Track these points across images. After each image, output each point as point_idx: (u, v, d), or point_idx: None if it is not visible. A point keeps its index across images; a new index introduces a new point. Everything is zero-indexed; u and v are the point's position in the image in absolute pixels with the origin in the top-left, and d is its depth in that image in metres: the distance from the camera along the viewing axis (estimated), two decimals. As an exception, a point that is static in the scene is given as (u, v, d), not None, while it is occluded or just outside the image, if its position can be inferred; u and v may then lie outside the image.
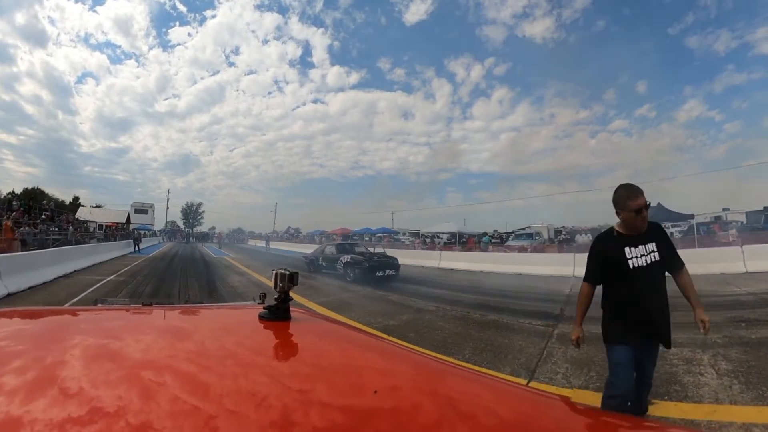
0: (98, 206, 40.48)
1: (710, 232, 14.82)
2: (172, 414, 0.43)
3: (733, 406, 2.33)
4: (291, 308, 0.85)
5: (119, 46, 69.44)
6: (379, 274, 8.90)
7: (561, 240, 16.74)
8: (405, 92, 62.65)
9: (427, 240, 23.54)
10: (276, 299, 0.84)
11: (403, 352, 0.82)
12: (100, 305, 1.18)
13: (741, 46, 40.22)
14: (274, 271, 0.83)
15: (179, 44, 65.02)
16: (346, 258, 9.58)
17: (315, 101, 65.17)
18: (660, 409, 2.28)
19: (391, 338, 1.85)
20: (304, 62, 67.74)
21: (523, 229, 20.31)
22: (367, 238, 29.89)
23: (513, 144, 55.55)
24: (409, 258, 13.40)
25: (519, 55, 53.86)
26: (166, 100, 68.22)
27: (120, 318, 0.97)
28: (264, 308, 0.84)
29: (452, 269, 11.53)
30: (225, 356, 0.64)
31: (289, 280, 0.82)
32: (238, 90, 68.41)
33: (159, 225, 49.81)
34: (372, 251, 11.26)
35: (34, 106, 59.23)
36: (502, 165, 61.18)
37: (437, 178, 64.10)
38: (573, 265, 9.71)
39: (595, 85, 60.06)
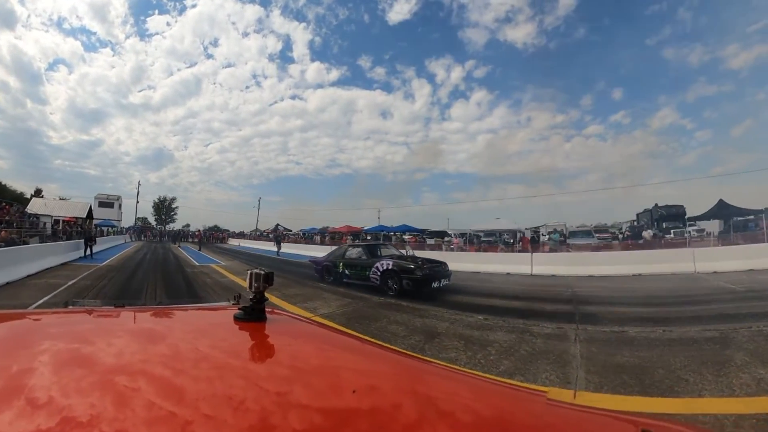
0: (62, 199, 36.31)
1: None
2: (147, 421, 0.43)
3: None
4: (266, 309, 0.89)
5: (95, 33, 69.16)
6: (435, 285, 7.39)
7: (627, 237, 16.91)
8: (384, 91, 66.20)
9: (475, 240, 22.69)
10: (251, 300, 0.87)
11: (381, 352, 0.89)
12: (70, 307, 1.20)
13: (712, 60, 45.88)
14: (249, 271, 0.87)
15: (157, 33, 65.94)
16: (386, 264, 7.73)
17: (293, 97, 68.00)
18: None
19: (368, 338, 1.62)
20: (284, 57, 70.12)
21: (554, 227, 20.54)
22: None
23: (489, 146, 60.19)
24: (471, 263, 12.63)
25: (499, 58, 58.06)
26: (141, 91, 67.96)
27: (91, 321, 0.99)
28: (239, 309, 0.87)
29: (554, 275, 10.53)
30: (200, 359, 0.66)
31: (264, 280, 0.86)
32: (215, 83, 69.70)
33: (129, 221, 47.69)
34: (405, 253, 9.66)
35: (0, 93, 56.48)
36: (478, 166, 65.55)
37: (414, 178, 67.75)
38: (693, 261, 10.33)
39: (573, 90, 66.51)
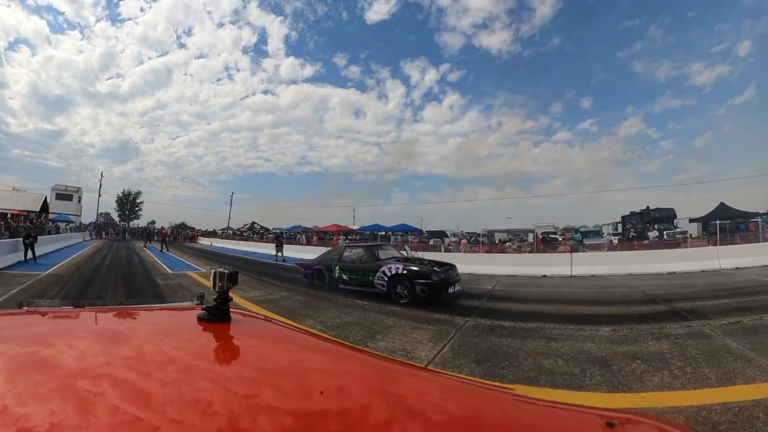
0: (16, 189, 33.07)
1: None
2: (112, 427, 0.43)
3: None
4: (231, 309, 0.89)
5: (62, 13, 69.16)
6: (451, 290, 7.05)
7: (632, 237, 18.35)
8: (359, 90, 70.13)
9: (480, 240, 23.34)
10: (215, 300, 0.87)
11: (349, 352, 0.89)
12: (26, 308, 1.21)
13: (679, 75, 52.04)
14: (213, 270, 0.88)
15: (129, 19, 66.00)
16: (394, 268, 7.17)
17: (266, 92, 69.95)
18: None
19: (334, 338, 1.97)
20: (258, 50, 72.27)
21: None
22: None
23: (460, 148, 64.52)
24: (501, 265, 12.90)
25: (473, 63, 62.17)
26: (109, 79, 67.63)
27: (49, 322, 0.98)
28: (203, 309, 0.87)
29: (593, 275, 11.12)
30: (165, 361, 0.66)
31: (228, 280, 0.86)
32: (186, 74, 70.24)
33: (91, 217, 45.28)
34: (411, 255, 9.31)
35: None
36: (449, 168, 69.66)
37: (385, 178, 71.52)
38: (717, 258, 11.57)
39: (543, 97, 72.63)
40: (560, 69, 64.59)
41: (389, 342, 4.37)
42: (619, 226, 31.97)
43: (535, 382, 3.18)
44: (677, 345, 4.29)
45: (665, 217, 26.26)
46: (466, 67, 65.68)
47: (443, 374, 0.79)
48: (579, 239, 17.29)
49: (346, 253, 8.67)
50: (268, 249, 25.57)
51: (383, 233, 30.03)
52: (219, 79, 71.35)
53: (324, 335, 1.12)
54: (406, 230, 29.76)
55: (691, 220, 22.05)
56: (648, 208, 28.73)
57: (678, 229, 24.00)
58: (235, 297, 5.80)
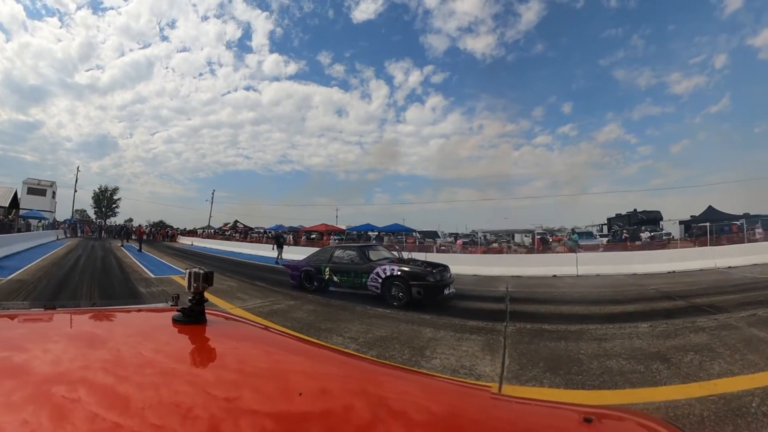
0: None
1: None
2: None
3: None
4: (206, 310, 0.90)
5: None
6: (447, 292, 7.11)
7: (625, 238, 19.31)
8: (342, 89, 71.19)
9: (482, 241, 23.82)
10: (190, 301, 0.88)
11: (328, 354, 0.92)
12: None
13: (659, 84, 54.95)
14: (188, 270, 0.88)
15: (112, 8, 65.40)
16: (389, 270, 7.14)
17: (248, 88, 70.14)
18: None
19: (313, 339, 2.00)
20: (242, 45, 72.57)
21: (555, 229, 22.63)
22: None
23: (441, 150, 66.33)
24: (510, 266, 13.22)
25: (457, 66, 63.83)
26: (88, 71, 66.40)
27: (18, 326, 0.96)
28: (178, 311, 0.89)
29: (598, 275, 11.70)
30: (143, 365, 0.66)
31: (204, 280, 0.86)
32: (167, 68, 69.38)
33: (66, 213, 44.01)
34: (406, 256, 9.38)
35: None
36: (430, 169, 71.55)
37: (366, 178, 72.83)
38: (713, 258, 12.59)
39: (525, 102, 74.74)
40: (543, 74, 67.61)
41: (443, 359, 4.04)
42: (605, 227, 33.56)
43: (613, 385, 3.28)
44: (715, 336, 4.72)
45: (652, 219, 27.71)
46: (450, 70, 67.12)
47: (423, 373, 0.81)
48: (576, 240, 18.09)
49: (336, 254, 8.54)
50: (254, 249, 25.17)
51: (375, 233, 30.10)
52: (201, 74, 71.34)
53: (302, 336, 1.13)
54: (398, 230, 29.96)
55: (681, 222, 23.42)
56: (635, 210, 30.29)
57: (663, 231, 25.51)
58: (235, 308, 5.59)
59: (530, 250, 20.28)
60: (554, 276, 12.07)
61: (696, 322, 5.46)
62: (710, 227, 17.06)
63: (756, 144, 51.50)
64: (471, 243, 22.53)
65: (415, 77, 66.52)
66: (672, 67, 57.80)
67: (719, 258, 12.61)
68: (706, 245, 16.34)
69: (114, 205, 53.45)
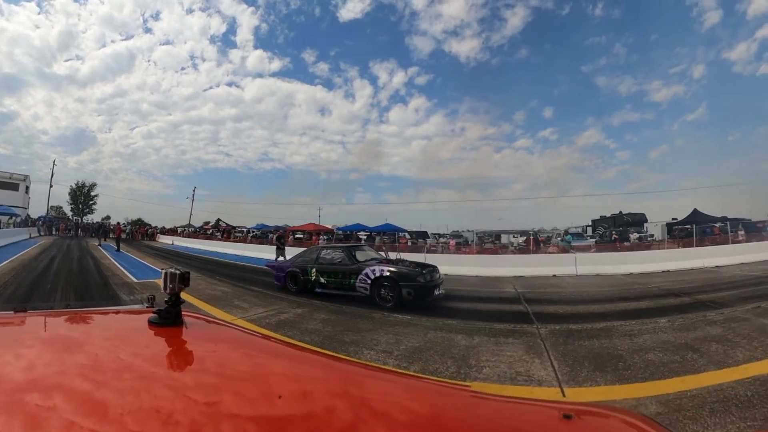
0: None
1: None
2: None
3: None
4: (182, 312, 0.90)
5: None
6: (437, 293, 7.21)
7: (615, 239, 20.24)
8: (326, 88, 71.63)
9: (478, 242, 24.27)
10: (166, 302, 0.88)
11: (309, 356, 0.92)
12: None
13: (639, 91, 57.27)
14: (163, 271, 0.88)
15: None
16: (378, 270, 7.17)
17: (230, 84, 69.78)
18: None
19: (292, 341, 2.30)
20: (226, 40, 72.71)
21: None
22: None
23: (423, 151, 67.80)
24: (510, 266, 13.63)
25: (442, 68, 65.28)
26: (67, 61, 64.58)
27: None
28: (154, 312, 0.88)
29: (597, 274, 12.28)
30: (121, 369, 0.66)
31: (180, 281, 0.86)
32: (149, 61, 67.78)
33: (40, 210, 42.45)
34: (396, 257, 9.44)
35: None
36: (412, 170, 73.15)
37: (348, 178, 73.99)
38: (701, 258, 13.46)
39: (507, 105, 77.73)
40: (525, 79, 69.11)
41: (492, 367, 3.91)
42: (589, 229, 34.87)
43: (660, 376, 3.55)
44: (729, 328, 5.18)
45: (637, 221, 29.06)
46: (434, 72, 67.87)
47: (403, 374, 0.82)
48: (569, 241, 18.83)
49: (323, 255, 8.52)
50: (239, 249, 24.69)
51: (367, 233, 30.26)
52: (183, 68, 70.17)
53: (281, 338, 1.13)
54: (390, 230, 30.02)
55: (668, 224, 24.67)
56: (621, 212, 31.68)
57: (648, 233, 26.86)
58: (236, 319, 5.45)
59: (523, 250, 20.87)
60: (554, 276, 12.53)
61: (707, 316, 5.95)
62: (695, 229, 18.16)
63: (730, 151, 55.09)
64: (464, 243, 23.03)
65: (400, 78, 67.74)
66: (653, 76, 60.29)
67: (707, 258, 13.47)
68: (692, 246, 17.38)
69: (91, 202, 52.39)
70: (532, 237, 21.31)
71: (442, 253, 20.32)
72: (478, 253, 20.26)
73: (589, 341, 4.80)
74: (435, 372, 3.83)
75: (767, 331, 4.87)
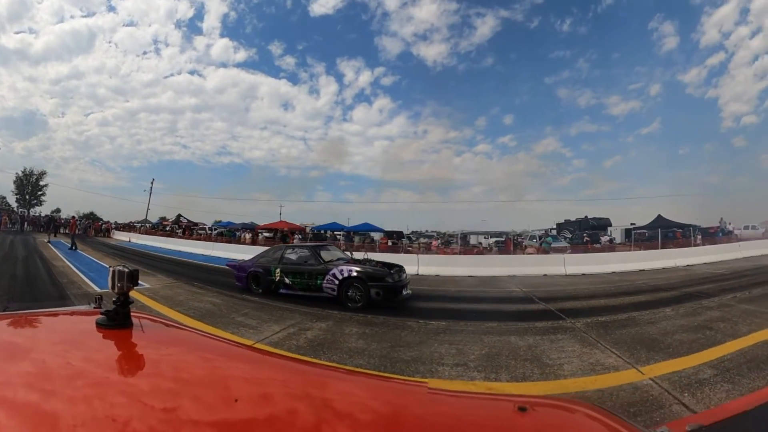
0: None
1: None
2: None
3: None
4: (132, 312, 0.90)
5: None
6: (405, 293, 7.38)
7: (586, 242, 22.19)
8: (290, 82, 70.71)
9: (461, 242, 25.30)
10: (114, 302, 0.87)
11: (267, 358, 0.98)
12: None
13: (597, 104, 62.12)
14: (111, 269, 0.88)
15: None
16: (346, 271, 7.27)
17: (192, 72, 66.39)
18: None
19: (248, 342, 2.33)
20: (192, 26, 69.40)
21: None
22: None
23: (385, 152, 68.81)
24: (504, 266, 14.52)
25: (408, 70, 66.12)
26: (18, 33, 57.48)
27: None
28: (101, 314, 0.87)
29: (584, 274, 13.49)
30: (71, 376, 0.64)
31: (128, 279, 0.86)
32: (110, 42, 62.95)
33: None
34: (364, 257, 9.45)
35: None
36: (373, 170, 74.17)
37: (308, 175, 73.81)
38: (673, 258, 14.75)
39: (469, 111, 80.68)
40: (489, 86, 72.17)
41: (569, 363, 4.15)
42: (553, 231, 37.51)
43: (697, 349, 4.38)
44: (724, 312, 6.37)
45: (602, 225, 31.80)
46: (401, 73, 67.86)
47: (362, 373, 0.86)
48: (550, 242, 20.49)
49: (287, 255, 8.48)
50: (207, 249, 22.53)
51: (343, 233, 30.56)
52: (145, 53, 65.06)
53: (236, 339, 1.13)
54: (369, 230, 30.59)
55: (633, 229, 27.23)
56: (587, 217, 34.43)
57: (611, 237, 29.62)
58: (256, 344, 4.64)
59: (503, 251, 22.22)
60: (545, 275, 13.73)
61: (702, 303, 7.16)
62: (660, 233, 20.43)
63: (680, 164, 60.93)
64: (446, 244, 24.18)
65: (366, 77, 66.84)
66: (612, 91, 65.20)
67: (678, 258, 15.37)
68: (657, 248, 19.48)
69: (40, 192, 49.45)
70: (511, 239, 22.84)
71: (425, 253, 21.15)
72: (462, 253, 21.42)
73: (623, 330, 5.48)
74: (524, 377, 3.85)
75: (753, 312, 6.16)
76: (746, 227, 29.25)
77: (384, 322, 6.17)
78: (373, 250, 21.49)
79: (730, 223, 27.67)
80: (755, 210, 39.57)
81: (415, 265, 14.69)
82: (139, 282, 8.01)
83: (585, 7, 59.85)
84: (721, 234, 24.68)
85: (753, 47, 45.82)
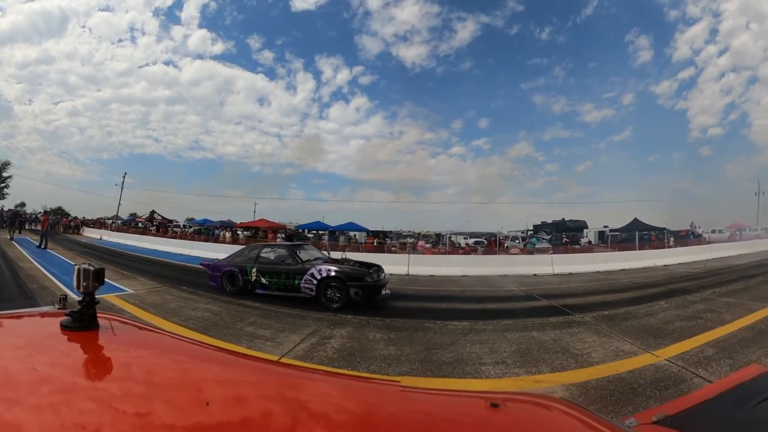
0: None
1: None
2: None
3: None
4: (98, 313, 0.88)
5: None
6: (384, 293, 7.55)
7: (566, 243, 23.38)
8: (267, 77, 71.12)
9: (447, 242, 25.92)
10: (80, 303, 0.85)
11: (239, 360, 0.99)
12: None
13: (571, 112, 64.47)
14: (76, 267, 0.85)
15: None
16: (325, 270, 7.33)
17: (168, 63, 65.41)
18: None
19: (219, 343, 2.41)
20: (170, 15, 67.71)
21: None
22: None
23: (361, 151, 70.53)
24: (495, 266, 15.22)
25: (387, 71, 67.62)
26: None
27: None
28: (66, 315, 0.85)
29: (571, 273, 14.35)
30: (36, 382, 0.63)
31: (94, 278, 0.84)
32: (84, 27, 61.10)
33: None
34: (342, 256, 9.72)
35: None
36: (348, 169, 75.38)
37: (282, 173, 74.71)
38: (652, 259, 15.83)
39: (445, 113, 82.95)
40: (466, 90, 74.54)
41: (596, 352, 4.54)
42: (529, 233, 39.10)
43: (695, 333, 5.13)
44: (709, 303, 7.32)
45: (578, 227, 33.47)
46: (379, 73, 68.98)
47: (336, 373, 0.77)
48: (534, 243, 21.51)
49: (264, 254, 8.45)
50: (186, 248, 21.47)
51: (328, 232, 30.68)
52: (120, 40, 63.03)
53: (207, 341, 1.11)
54: (354, 229, 30.99)
55: (611, 231, 28.90)
56: (564, 219, 36.11)
57: (588, 239, 31.32)
58: (282, 358, 4.58)
59: (487, 251, 23.07)
60: (534, 275, 14.51)
61: (687, 298, 8.02)
62: (637, 235, 21.89)
63: (649, 170, 64.52)
64: (434, 245, 24.86)
65: (344, 76, 67.85)
66: (586, 99, 68.49)
67: (656, 259, 16.63)
68: (634, 250, 20.81)
69: (3, 185, 47.21)
70: (494, 239, 23.80)
71: (413, 253, 21.69)
72: (450, 253, 22.11)
73: (628, 321, 6.06)
74: (559, 367, 4.10)
75: (732, 305, 7.08)
76: (713, 231, 31.84)
77: (403, 325, 6.02)
78: (358, 250, 21.92)
79: (699, 227, 29.87)
80: (720, 215, 42.89)
81: (405, 265, 15.28)
82: (121, 287, 7.90)
83: (565, 17, 62.84)
84: (691, 237, 26.59)
85: (720, 65, 50.67)
